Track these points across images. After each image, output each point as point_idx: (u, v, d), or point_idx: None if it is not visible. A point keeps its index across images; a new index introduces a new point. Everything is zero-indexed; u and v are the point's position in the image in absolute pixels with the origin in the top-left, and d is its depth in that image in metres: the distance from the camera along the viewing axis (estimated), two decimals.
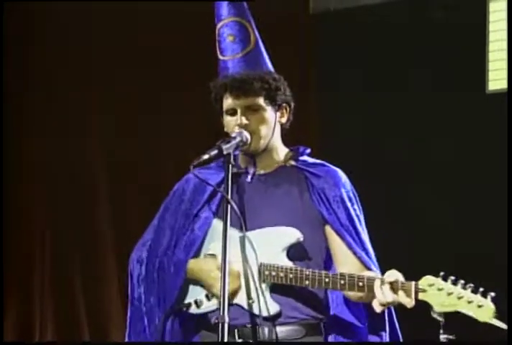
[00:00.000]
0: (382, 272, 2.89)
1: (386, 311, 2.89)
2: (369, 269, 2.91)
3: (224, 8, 3.41)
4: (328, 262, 3.03)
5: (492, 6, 5.59)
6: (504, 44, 5.53)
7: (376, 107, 5.95)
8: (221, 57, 3.37)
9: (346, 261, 2.95)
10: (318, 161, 3.12)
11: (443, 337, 4.28)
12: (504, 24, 5.52)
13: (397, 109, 5.88)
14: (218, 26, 3.42)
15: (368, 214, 3.10)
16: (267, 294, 2.89)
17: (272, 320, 2.89)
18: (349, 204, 2.99)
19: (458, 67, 5.66)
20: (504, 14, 5.51)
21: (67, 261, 5.56)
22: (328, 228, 2.98)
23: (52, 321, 5.51)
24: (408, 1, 5.99)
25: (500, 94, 5.52)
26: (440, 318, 4.12)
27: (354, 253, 2.93)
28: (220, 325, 2.59)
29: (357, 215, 3.01)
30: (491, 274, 5.00)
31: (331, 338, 2.98)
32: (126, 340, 3.16)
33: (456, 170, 5.62)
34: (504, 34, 5.54)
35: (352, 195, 3.04)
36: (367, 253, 2.96)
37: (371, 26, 6.04)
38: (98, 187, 5.67)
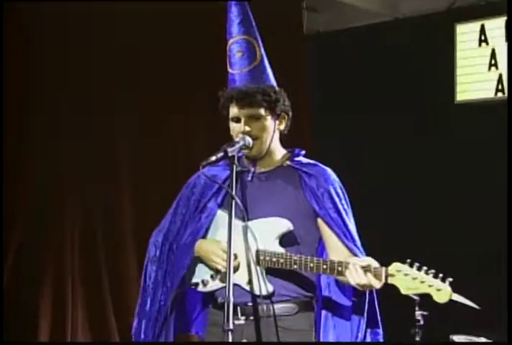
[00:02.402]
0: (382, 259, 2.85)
1: (368, 293, 2.88)
2: (355, 255, 2.88)
3: (235, 27, 3.37)
4: (321, 250, 3.00)
5: (459, 29, 5.59)
6: (469, 62, 5.53)
7: (361, 114, 5.96)
8: (230, 70, 3.33)
9: (335, 249, 2.92)
10: (311, 161, 3.08)
11: (418, 313, 4.23)
12: (469, 44, 5.52)
13: (381, 115, 5.89)
14: (229, 42, 3.38)
15: (355, 207, 3.04)
16: (263, 276, 2.87)
17: (268, 298, 2.87)
18: (337, 199, 2.95)
19: (431, 81, 5.69)
20: (469, 36, 5.52)
21: (96, 263, 5.28)
22: (320, 221, 2.94)
23: (83, 321, 5.20)
24: (386, 25, 6.02)
25: (466, 104, 5.55)
26: (415, 297, 4.11)
27: (342, 242, 2.90)
28: (226, 303, 2.56)
29: (345, 209, 2.97)
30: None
31: (322, 314, 2.96)
32: (136, 318, 3.13)
33: (440, 169, 5.66)
34: (470, 53, 5.55)
35: (339, 191, 2.99)
36: (353, 241, 2.93)
37: (356, 45, 6.08)
38: (122, 187, 5.46)
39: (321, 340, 2.94)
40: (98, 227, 5.32)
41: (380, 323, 2.95)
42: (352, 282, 2.68)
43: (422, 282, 2.55)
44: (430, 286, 2.55)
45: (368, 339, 2.93)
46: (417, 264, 2.58)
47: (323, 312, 2.97)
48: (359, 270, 2.65)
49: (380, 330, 2.96)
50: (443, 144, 5.63)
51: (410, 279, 2.57)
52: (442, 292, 2.54)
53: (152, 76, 5.47)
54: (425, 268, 2.58)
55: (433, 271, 2.57)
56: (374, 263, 2.68)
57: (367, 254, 2.89)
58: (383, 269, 2.63)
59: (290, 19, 6.13)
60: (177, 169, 5.42)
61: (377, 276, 2.63)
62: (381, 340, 2.95)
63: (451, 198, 5.52)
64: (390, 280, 2.62)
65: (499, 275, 4.92)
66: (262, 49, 3.29)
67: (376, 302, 2.92)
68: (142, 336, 3.08)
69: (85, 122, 5.26)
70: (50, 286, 5.06)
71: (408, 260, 2.60)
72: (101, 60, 5.26)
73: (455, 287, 3.63)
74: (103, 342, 5.18)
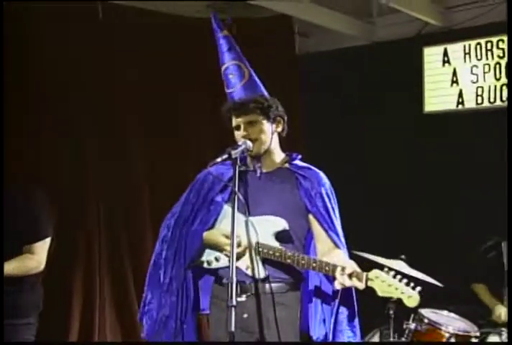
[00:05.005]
0: (349, 249, 2.95)
1: None
2: (338, 247, 2.91)
3: (225, 56, 3.49)
4: (308, 241, 3.01)
5: (426, 51, 5.53)
6: (435, 79, 5.50)
7: (345, 122, 5.93)
8: (227, 90, 3.37)
9: (322, 240, 2.93)
10: (306, 165, 3.06)
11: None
12: (435, 64, 5.49)
13: (361, 122, 5.85)
14: (223, 68, 3.46)
15: (342, 206, 3.05)
16: (260, 263, 2.88)
17: (263, 281, 2.88)
18: (326, 199, 2.95)
19: (403, 94, 5.66)
20: (435, 57, 5.50)
21: (121, 264, 5.09)
22: (310, 216, 2.95)
23: (110, 322, 5.00)
24: (366, 47, 5.99)
25: (433, 114, 5.51)
26: None
27: (329, 235, 2.91)
28: (229, 284, 2.55)
29: (332, 208, 2.97)
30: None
31: (307, 293, 2.98)
32: (145, 289, 3.12)
33: (419, 168, 5.60)
34: (435, 72, 5.51)
35: (329, 192, 2.99)
36: (337, 235, 2.94)
37: (340, 64, 6.01)
38: (142, 186, 5.30)
39: (304, 313, 2.95)
40: (121, 230, 5.13)
41: (354, 298, 2.93)
42: (339, 284, 2.69)
43: (396, 289, 2.57)
44: (402, 293, 2.56)
45: (344, 314, 2.91)
46: (392, 273, 2.60)
47: (308, 291, 2.98)
48: (345, 275, 2.65)
49: (355, 306, 2.93)
50: (415, 146, 5.58)
51: (386, 285, 2.58)
52: (412, 298, 2.55)
53: (166, 84, 5.34)
54: (399, 277, 2.59)
55: (405, 280, 2.58)
56: (356, 268, 2.68)
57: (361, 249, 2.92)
58: (364, 274, 2.63)
59: (285, 42, 6.07)
60: (187, 168, 5.19)
61: (358, 279, 2.64)
62: (355, 314, 2.92)
63: (435, 195, 5.45)
64: (370, 283, 2.62)
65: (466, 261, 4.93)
66: (250, 68, 3.34)
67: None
68: (150, 304, 3.05)
69: (106, 122, 5.06)
70: (80, 287, 4.87)
71: (385, 269, 2.63)
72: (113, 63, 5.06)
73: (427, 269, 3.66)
74: (100, 342, 4.90)
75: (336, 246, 2.90)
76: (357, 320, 2.94)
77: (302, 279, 2.97)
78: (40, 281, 3.44)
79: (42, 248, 3.31)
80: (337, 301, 2.88)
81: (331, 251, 2.86)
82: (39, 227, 3.25)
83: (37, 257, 3.29)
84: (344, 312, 2.91)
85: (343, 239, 2.96)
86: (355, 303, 2.93)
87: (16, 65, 4.58)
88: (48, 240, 3.34)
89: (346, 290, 2.86)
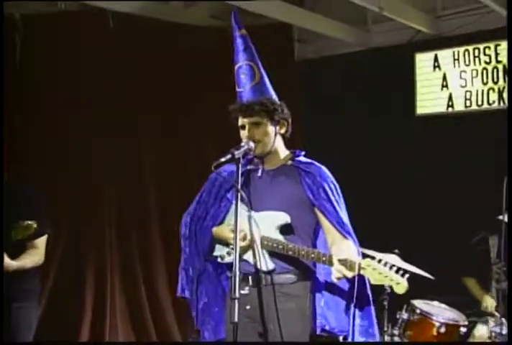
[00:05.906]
0: (358, 240, 2.95)
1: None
2: (345, 237, 2.91)
3: (240, 55, 3.40)
4: (317, 234, 3.03)
5: (418, 57, 5.63)
6: (426, 83, 5.58)
7: (342, 123, 6.00)
8: (237, 89, 3.38)
9: (330, 232, 2.95)
10: (309, 160, 3.06)
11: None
12: (426, 69, 5.58)
13: (356, 123, 5.93)
14: (236, 67, 3.42)
15: (347, 198, 3.06)
16: (267, 256, 2.91)
17: (270, 273, 2.91)
18: (329, 192, 2.95)
19: (396, 97, 5.74)
20: (426, 63, 5.58)
21: (133, 266, 5.09)
22: (316, 210, 2.96)
23: (121, 322, 4.97)
24: (362, 53, 6.05)
25: (424, 116, 5.59)
26: None
27: (335, 227, 2.92)
28: (232, 277, 2.62)
29: (336, 200, 2.96)
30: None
31: (316, 283, 2.99)
32: (180, 281, 3.19)
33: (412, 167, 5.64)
34: (426, 76, 5.60)
35: (332, 185, 2.98)
36: (343, 226, 2.93)
37: (337, 69, 6.09)
38: (147, 186, 5.29)
39: (315, 304, 2.95)
40: (130, 229, 5.12)
41: (369, 291, 2.91)
42: (334, 278, 2.74)
43: (386, 276, 2.62)
44: (391, 280, 2.62)
45: (359, 310, 2.92)
46: (384, 261, 2.66)
47: (319, 280, 2.98)
48: (338, 266, 2.69)
49: (370, 296, 2.93)
50: (408, 146, 5.66)
51: (377, 273, 2.64)
52: (400, 285, 2.61)
53: (173, 91, 5.37)
54: (389, 264, 2.63)
55: (395, 268, 2.62)
56: (352, 258, 2.69)
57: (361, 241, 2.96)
58: (357, 263, 2.66)
59: (284, 48, 6.11)
60: (190, 169, 5.33)
61: (352, 267, 2.66)
62: (370, 308, 2.93)
63: (428, 192, 5.49)
64: (362, 272, 2.66)
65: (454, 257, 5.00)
66: (262, 71, 3.35)
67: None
68: (186, 292, 3.15)
69: (112, 123, 5.08)
70: (92, 286, 4.89)
71: (377, 258, 2.68)
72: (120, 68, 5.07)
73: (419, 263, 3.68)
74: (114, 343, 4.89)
75: (344, 236, 2.89)
76: (371, 313, 2.94)
77: (311, 270, 2.97)
78: (38, 270, 3.59)
79: (43, 243, 3.50)
80: (354, 299, 2.88)
81: (340, 243, 2.86)
82: (40, 224, 3.30)
83: (41, 252, 3.48)
84: (358, 308, 2.92)
85: (351, 229, 2.94)
86: (370, 299, 2.94)
87: (25, 69, 4.66)
88: (46, 236, 3.51)
89: (362, 288, 2.88)
